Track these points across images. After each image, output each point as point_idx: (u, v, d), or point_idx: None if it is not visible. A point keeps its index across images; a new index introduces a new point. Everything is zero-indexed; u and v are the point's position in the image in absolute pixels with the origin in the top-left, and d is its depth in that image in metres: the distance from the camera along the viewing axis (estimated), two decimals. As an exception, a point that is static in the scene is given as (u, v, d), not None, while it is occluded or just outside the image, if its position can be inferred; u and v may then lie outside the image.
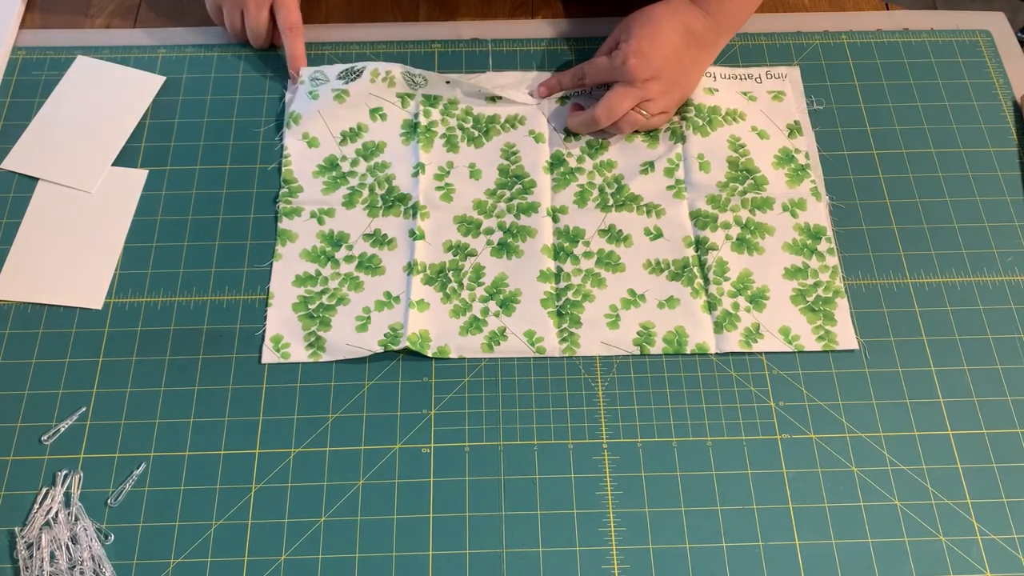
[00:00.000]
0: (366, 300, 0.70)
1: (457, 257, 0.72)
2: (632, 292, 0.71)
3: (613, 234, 0.73)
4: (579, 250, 0.73)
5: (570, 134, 0.78)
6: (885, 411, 0.67)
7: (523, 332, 0.69)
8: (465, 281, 0.71)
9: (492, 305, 0.70)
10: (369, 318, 0.70)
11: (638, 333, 0.69)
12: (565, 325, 0.70)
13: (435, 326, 0.69)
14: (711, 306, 0.70)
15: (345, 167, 0.76)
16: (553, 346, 0.69)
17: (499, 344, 0.69)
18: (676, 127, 0.78)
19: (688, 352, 0.69)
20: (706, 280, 0.71)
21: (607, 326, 0.70)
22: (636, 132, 0.78)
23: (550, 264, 0.72)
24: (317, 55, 0.84)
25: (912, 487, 0.64)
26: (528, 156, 0.77)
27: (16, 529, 0.62)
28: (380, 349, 0.68)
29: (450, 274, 0.71)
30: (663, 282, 0.71)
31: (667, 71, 0.75)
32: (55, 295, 0.71)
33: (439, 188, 0.75)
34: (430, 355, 0.68)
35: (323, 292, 0.71)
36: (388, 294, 0.71)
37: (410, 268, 0.72)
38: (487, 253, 0.72)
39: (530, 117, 0.79)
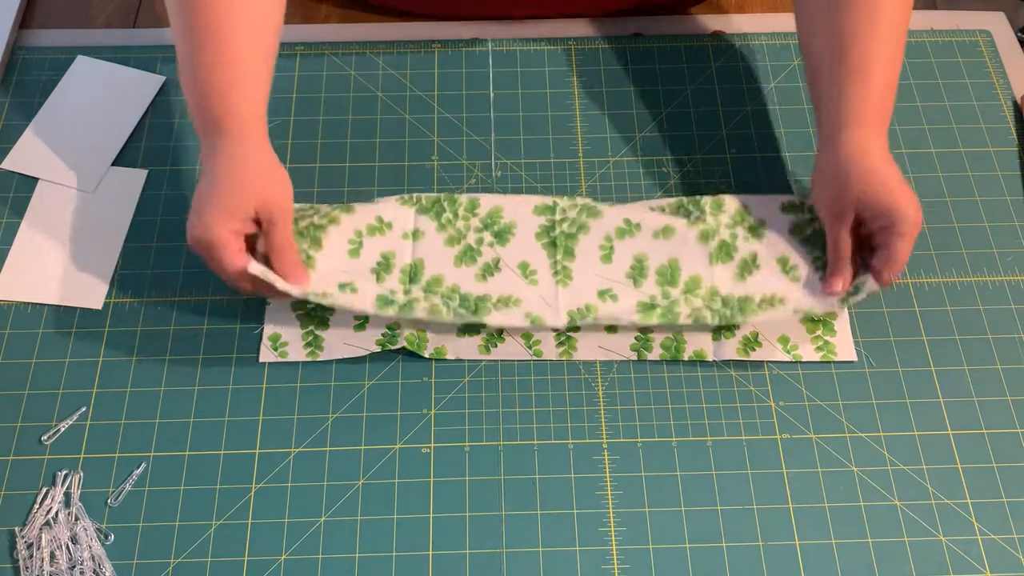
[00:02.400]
0: None
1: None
2: None
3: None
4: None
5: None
6: (885, 411, 0.67)
7: (521, 336, 0.69)
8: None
9: None
10: (367, 318, 0.70)
11: (636, 339, 0.69)
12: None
13: (433, 327, 0.69)
14: None
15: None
16: (550, 350, 0.69)
17: (496, 347, 0.69)
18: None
19: (685, 359, 0.69)
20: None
21: (605, 331, 0.70)
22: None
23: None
24: (317, 55, 0.84)
25: (912, 487, 0.64)
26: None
27: (16, 529, 0.62)
28: (377, 349, 0.68)
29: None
30: None
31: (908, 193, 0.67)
32: (55, 295, 0.71)
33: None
34: (427, 356, 0.68)
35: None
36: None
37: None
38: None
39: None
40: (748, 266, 0.70)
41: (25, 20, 0.87)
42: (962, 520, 0.63)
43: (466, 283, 0.69)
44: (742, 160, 0.78)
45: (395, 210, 0.72)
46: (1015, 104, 0.82)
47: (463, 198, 0.73)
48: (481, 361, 0.69)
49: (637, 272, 0.69)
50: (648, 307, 0.68)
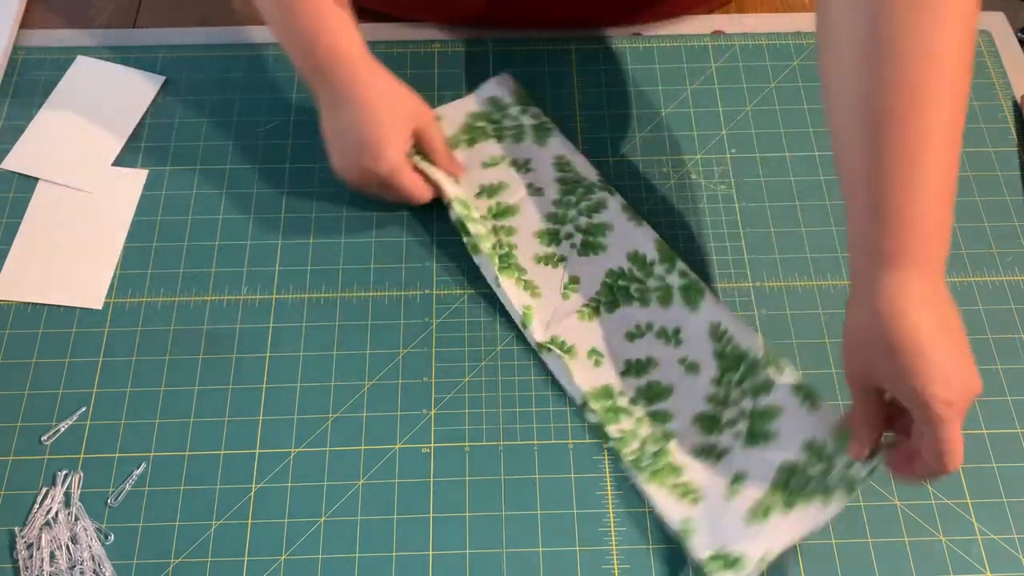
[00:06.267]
0: None
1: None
2: None
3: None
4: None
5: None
6: (885, 411, 0.67)
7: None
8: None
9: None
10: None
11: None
12: None
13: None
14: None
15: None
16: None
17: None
18: None
19: None
20: None
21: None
22: None
23: None
24: (317, 55, 0.84)
25: (912, 487, 0.64)
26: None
27: (16, 529, 0.62)
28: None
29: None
30: None
31: (959, 373, 0.52)
32: (55, 295, 0.71)
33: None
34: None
35: None
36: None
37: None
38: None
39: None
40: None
41: (25, 20, 0.87)
42: (962, 520, 0.63)
43: (529, 249, 0.72)
44: (742, 160, 0.78)
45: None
46: (1015, 104, 0.82)
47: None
48: (481, 361, 0.69)
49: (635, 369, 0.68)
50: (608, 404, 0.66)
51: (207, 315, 0.71)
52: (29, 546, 0.62)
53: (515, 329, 0.70)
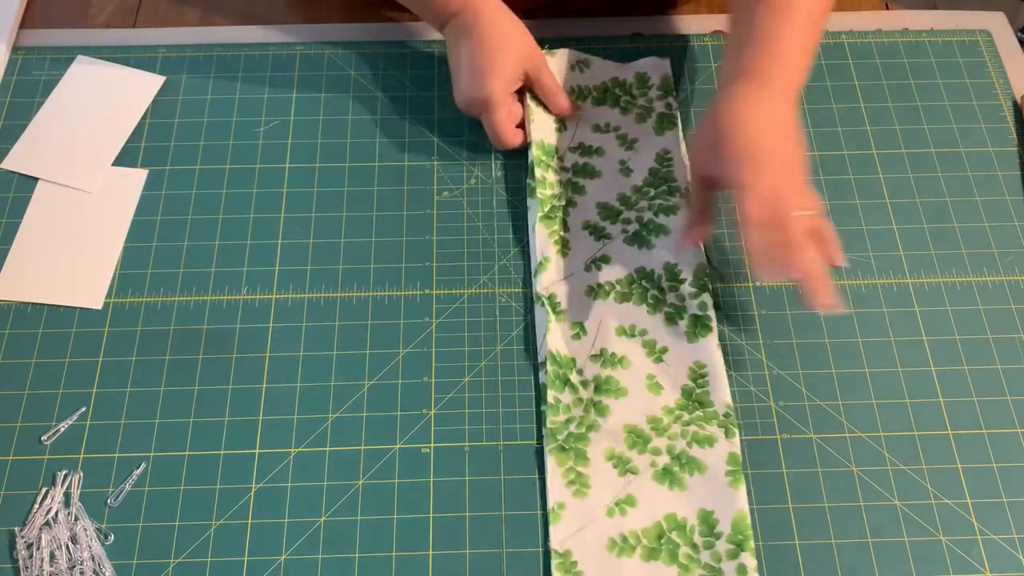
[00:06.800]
0: None
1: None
2: None
3: None
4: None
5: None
6: (885, 411, 0.67)
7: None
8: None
9: None
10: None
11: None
12: None
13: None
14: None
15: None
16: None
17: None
18: None
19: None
20: None
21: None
22: None
23: None
24: (317, 55, 0.84)
25: (912, 487, 0.64)
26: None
27: (16, 529, 0.62)
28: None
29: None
30: None
31: (774, 166, 0.64)
32: (55, 295, 0.71)
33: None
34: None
35: None
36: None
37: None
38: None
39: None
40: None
41: (25, 20, 0.87)
42: (962, 520, 0.63)
43: (585, 213, 0.74)
44: (742, 160, 0.78)
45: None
46: (1015, 104, 0.82)
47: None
48: (481, 361, 0.69)
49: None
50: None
51: (207, 315, 0.71)
52: (29, 546, 0.62)
53: (515, 329, 0.70)
